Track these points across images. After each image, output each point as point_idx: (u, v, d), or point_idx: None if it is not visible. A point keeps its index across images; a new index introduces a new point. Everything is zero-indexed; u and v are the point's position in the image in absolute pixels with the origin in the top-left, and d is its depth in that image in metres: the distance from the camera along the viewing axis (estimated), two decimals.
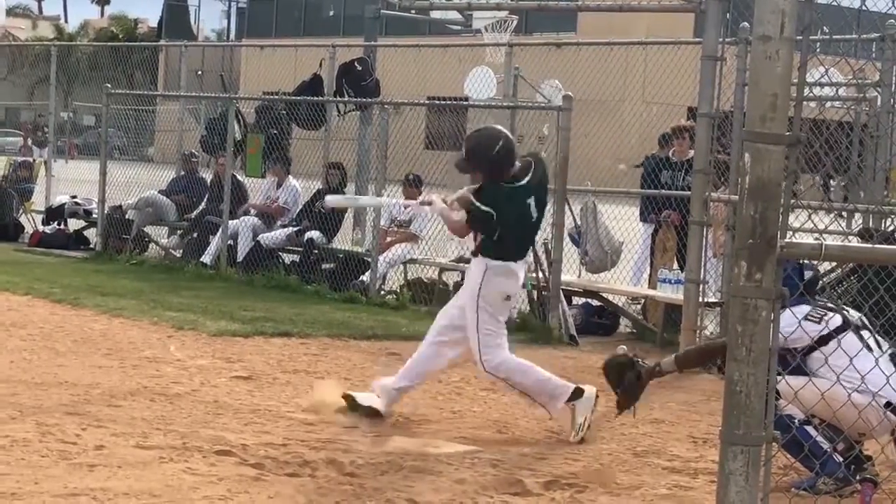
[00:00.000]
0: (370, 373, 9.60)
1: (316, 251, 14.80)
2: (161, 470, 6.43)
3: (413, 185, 14.35)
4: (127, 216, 16.84)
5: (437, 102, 17.77)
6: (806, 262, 6.96)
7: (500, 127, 8.34)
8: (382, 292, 14.02)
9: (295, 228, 15.05)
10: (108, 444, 6.89)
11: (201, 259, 15.48)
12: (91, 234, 17.71)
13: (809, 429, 6.60)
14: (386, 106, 14.57)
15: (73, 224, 18.43)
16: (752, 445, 3.65)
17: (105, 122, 17.95)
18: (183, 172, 17.39)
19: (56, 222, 18.29)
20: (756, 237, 3.60)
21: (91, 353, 9.68)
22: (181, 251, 16.43)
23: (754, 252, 3.60)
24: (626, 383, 7.10)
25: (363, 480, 6.46)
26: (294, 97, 16.62)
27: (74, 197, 18.79)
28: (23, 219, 19.21)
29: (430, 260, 14.29)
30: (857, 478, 6.54)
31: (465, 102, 17.43)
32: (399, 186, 14.35)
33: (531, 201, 7.85)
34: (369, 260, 14.12)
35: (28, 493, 5.88)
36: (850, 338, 6.77)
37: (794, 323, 6.49)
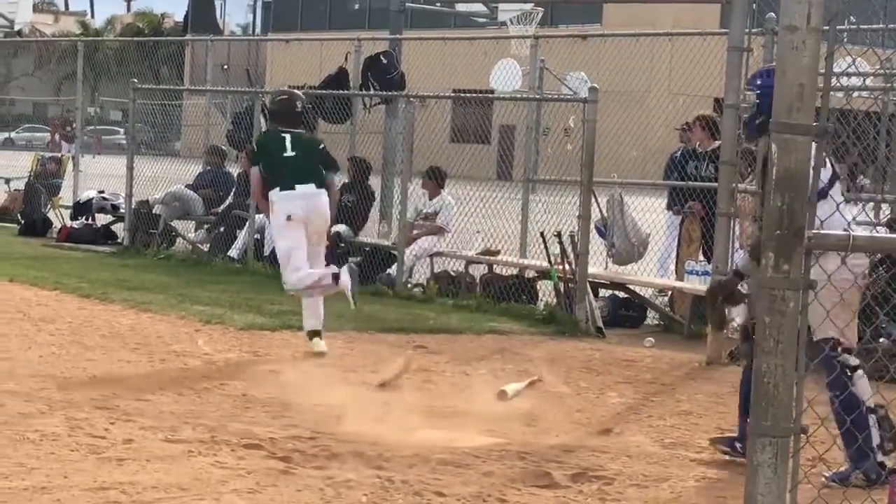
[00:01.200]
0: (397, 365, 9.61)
1: (342, 244, 14.81)
2: (189, 463, 6.46)
3: (432, 179, 14.37)
4: (154, 211, 16.89)
5: (463, 95, 17.74)
6: None
7: (295, 91, 10.96)
8: (409, 285, 14.03)
9: None
10: (136, 437, 6.92)
11: (228, 253, 15.52)
12: (118, 228, 17.78)
13: (871, 418, 6.62)
14: (411, 99, 14.57)
15: (101, 219, 18.50)
16: (781, 437, 3.64)
17: (132, 116, 18.01)
18: (209, 167, 17.43)
19: (84, 217, 18.36)
20: (783, 228, 3.58)
21: (119, 348, 9.72)
22: (208, 245, 16.47)
23: (782, 243, 3.59)
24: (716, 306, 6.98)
25: (391, 473, 6.47)
26: (320, 91, 16.63)
27: (102, 192, 18.87)
28: (51, 214, 19.29)
29: (457, 252, 14.30)
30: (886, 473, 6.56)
31: (490, 95, 17.42)
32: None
33: (288, 141, 10.08)
34: (396, 253, 14.13)
35: (57, 486, 5.91)
36: (837, 188, 6.80)
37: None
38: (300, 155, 10.10)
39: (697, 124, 12.85)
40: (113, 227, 18.16)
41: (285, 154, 10.05)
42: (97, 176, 20.67)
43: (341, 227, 14.87)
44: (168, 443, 6.86)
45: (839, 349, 6.60)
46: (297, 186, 10.01)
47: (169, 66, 24.84)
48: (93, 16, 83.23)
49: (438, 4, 20.26)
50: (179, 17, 69.71)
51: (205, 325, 10.97)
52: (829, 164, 6.62)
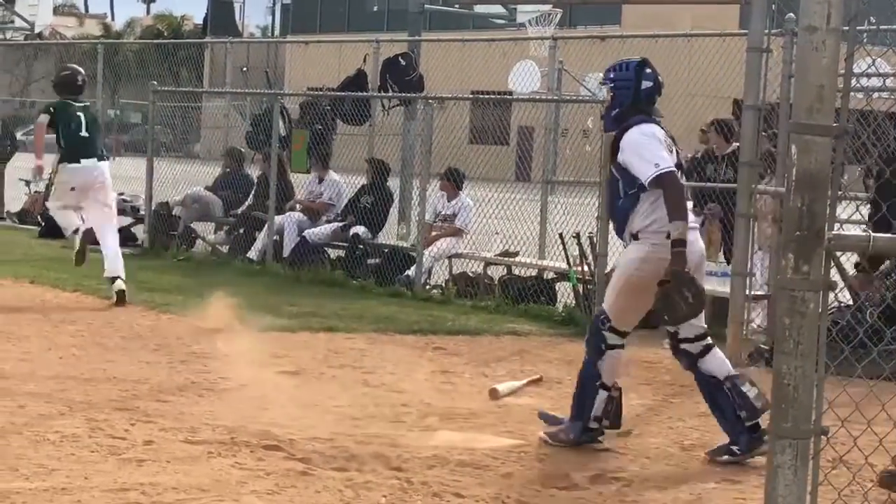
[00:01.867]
0: (416, 367, 9.62)
1: (361, 246, 14.83)
2: (209, 464, 6.47)
3: (450, 180, 14.37)
4: (174, 213, 16.93)
5: (482, 97, 17.73)
6: (648, 70, 7.31)
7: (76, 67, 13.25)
8: (428, 287, 14.04)
9: (340, 224, 15.09)
10: (156, 439, 6.93)
11: (248, 255, 15.56)
12: (139, 230, 17.82)
13: (602, 393, 7.15)
14: (430, 101, 14.58)
15: (121, 221, 18.53)
16: (801, 439, 3.63)
17: (151, 118, 18.05)
18: (228, 169, 17.45)
19: None
20: (803, 229, 3.58)
21: (139, 349, 9.75)
22: (228, 247, 16.50)
23: (802, 244, 3.58)
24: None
25: (410, 475, 6.47)
26: (339, 93, 16.65)
27: (122, 194, 18.89)
28: None
29: (475, 254, 14.30)
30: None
31: (509, 97, 17.41)
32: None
33: (83, 119, 12.22)
34: (414, 254, 14.14)
35: (78, 487, 5.93)
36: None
37: (659, 135, 7.04)
38: (92, 134, 12.32)
39: (712, 129, 12.82)
40: (133, 229, 18.19)
41: (81, 134, 12.20)
42: (117, 178, 20.60)
43: (360, 229, 14.89)
44: (188, 444, 6.88)
45: (608, 324, 7.12)
46: (83, 160, 12.15)
47: (188, 69, 24.87)
48: (113, 18, 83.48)
49: (457, 6, 20.27)
50: (199, 20, 69.88)
51: (224, 327, 10.98)
52: None
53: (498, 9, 19.04)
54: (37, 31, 25.90)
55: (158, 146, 19.13)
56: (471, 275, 14.19)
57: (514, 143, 21.60)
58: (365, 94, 16.35)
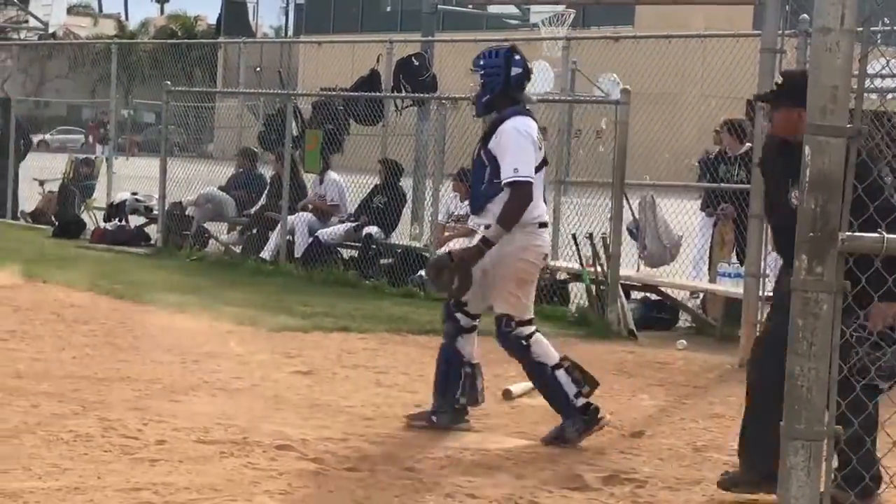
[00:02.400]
0: (429, 367, 9.62)
1: (374, 246, 14.84)
2: (222, 464, 6.48)
3: (462, 181, 14.35)
4: (187, 212, 16.96)
5: None
6: (517, 57, 7.42)
7: None
8: None
9: (353, 224, 15.10)
10: (169, 438, 6.95)
11: (260, 255, 15.57)
12: (152, 230, 17.86)
13: (560, 373, 7.25)
14: (443, 101, 14.58)
15: (135, 220, 18.58)
16: (814, 440, 3.62)
17: (165, 119, 18.08)
18: (241, 169, 17.48)
19: (117, 219, 18.45)
20: (817, 230, 3.57)
21: (152, 349, 9.76)
22: (241, 247, 16.53)
23: (815, 245, 3.57)
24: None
25: (422, 475, 6.47)
26: (352, 93, 16.66)
27: (135, 194, 18.95)
28: (85, 216, 19.39)
29: None
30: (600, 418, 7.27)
31: None
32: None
33: None
34: (427, 255, 14.14)
35: (91, 487, 5.94)
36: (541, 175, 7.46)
37: (533, 133, 7.24)
38: None
39: (725, 129, 12.80)
40: (146, 229, 18.24)
41: None
42: (131, 178, 20.78)
43: (373, 229, 14.90)
44: (200, 444, 6.89)
45: (513, 324, 7.26)
46: None
47: (202, 69, 24.92)
48: (127, 18, 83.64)
49: (470, 6, 20.27)
50: (212, 20, 69.99)
51: (237, 327, 11.01)
52: None
53: (511, 9, 19.05)
54: (51, 30, 25.92)
55: (172, 146, 19.16)
56: None
57: None
58: (378, 94, 16.35)
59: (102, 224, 18.48)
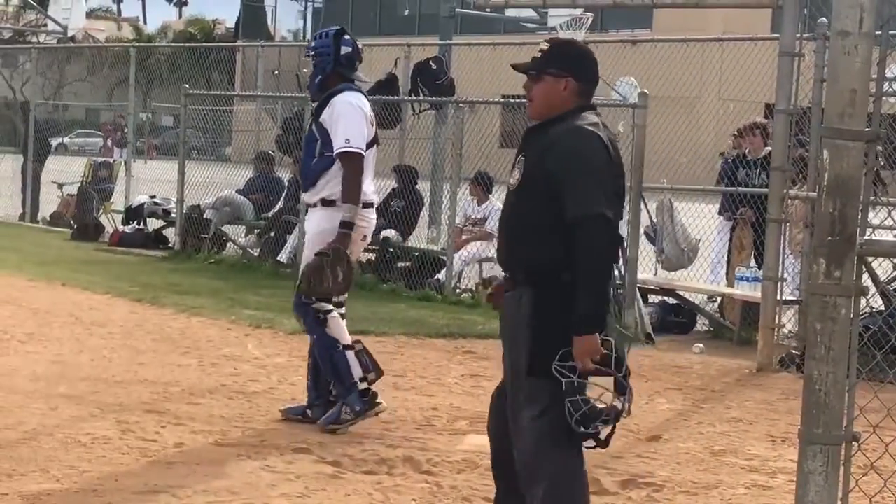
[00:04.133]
0: (446, 370, 9.63)
1: (391, 249, 14.84)
2: (239, 467, 6.49)
3: (479, 184, 14.36)
4: (205, 215, 16.99)
5: (512, 101, 17.72)
6: (346, 37, 7.63)
7: None
8: (458, 290, 14.04)
9: None
10: (187, 441, 6.96)
11: (278, 257, 15.58)
12: (170, 233, 17.90)
13: (349, 354, 7.34)
14: (461, 104, 14.58)
15: (153, 224, 18.63)
16: (832, 445, 3.62)
17: (183, 122, 18.12)
18: (259, 172, 17.50)
19: (135, 222, 18.50)
20: (835, 234, 3.56)
21: (170, 352, 9.78)
22: (258, 250, 16.54)
23: (833, 249, 3.56)
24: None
25: (440, 479, 6.47)
26: (369, 96, 16.65)
27: (153, 197, 19.00)
28: (103, 219, 19.45)
29: None
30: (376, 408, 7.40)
31: None
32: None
33: None
34: (445, 258, 14.14)
35: (109, 490, 5.96)
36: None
37: (365, 109, 7.41)
38: None
39: (758, 131, 12.74)
40: (164, 232, 18.28)
41: None
42: (149, 181, 20.83)
43: (390, 233, 14.90)
44: (218, 446, 6.91)
45: (314, 297, 7.32)
46: None
47: (220, 72, 25.02)
48: (145, 22, 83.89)
49: (488, 10, 20.25)
50: (231, 24, 70.13)
51: (255, 330, 11.03)
52: None
53: (529, 13, 19.02)
54: (70, 34, 26.00)
55: (190, 149, 19.19)
56: (501, 279, 14.15)
57: None
58: (396, 97, 16.36)
59: (120, 227, 18.52)
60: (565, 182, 4.56)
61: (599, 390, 4.61)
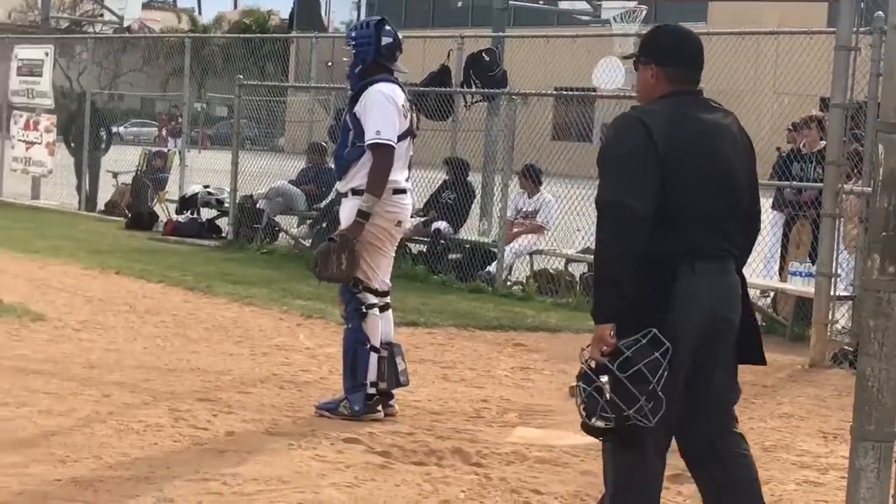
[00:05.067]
0: (496, 363, 9.64)
1: (443, 241, 14.86)
2: (289, 456, 6.53)
3: (528, 177, 14.34)
4: (258, 206, 17.07)
5: (565, 93, 17.68)
6: (387, 27, 7.56)
7: None
8: (509, 283, 14.04)
9: (422, 219, 15.13)
10: (238, 430, 7.01)
11: None
12: (223, 223, 18.00)
13: (373, 356, 7.34)
14: (513, 97, 14.57)
15: (206, 213, 18.74)
16: (884, 441, 3.59)
17: (237, 112, 18.22)
18: (311, 163, 17.56)
19: (189, 211, 18.62)
20: (890, 230, 3.53)
21: (222, 341, 9.85)
22: (310, 240, 16.60)
23: (888, 245, 3.54)
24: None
25: (489, 470, 6.48)
26: (422, 88, 16.69)
27: (207, 186, 19.11)
28: (157, 208, 19.59)
29: (557, 251, 14.27)
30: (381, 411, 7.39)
31: (593, 93, 17.33)
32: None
33: None
34: (496, 250, 14.14)
35: (160, 477, 6.01)
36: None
37: (398, 99, 7.37)
38: None
39: (814, 125, 12.64)
40: (217, 222, 18.38)
41: None
42: (203, 171, 20.95)
43: (441, 224, 14.92)
44: (269, 435, 6.95)
45: (360, 286, 7.36)
46: None
47: (274, 63, 25.10)
48: (200, 12, 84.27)
49: (541, 2, 20.23)
50: (285, 15, 70.36)
51: (306, 320, 11.07)
52: None
53: (583, 5, 18.94)
54: (125, 24, 26.20)
55: (243, 139, 19.30)
56: (552, 272, 14.16)
57: (597, 139, 21.51)
58: (448, 89, 16.36)
59: (174, 216, 18.64)
60: (598, 170, 4.58)
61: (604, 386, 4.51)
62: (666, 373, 4.38)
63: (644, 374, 4.38)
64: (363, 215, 7.23)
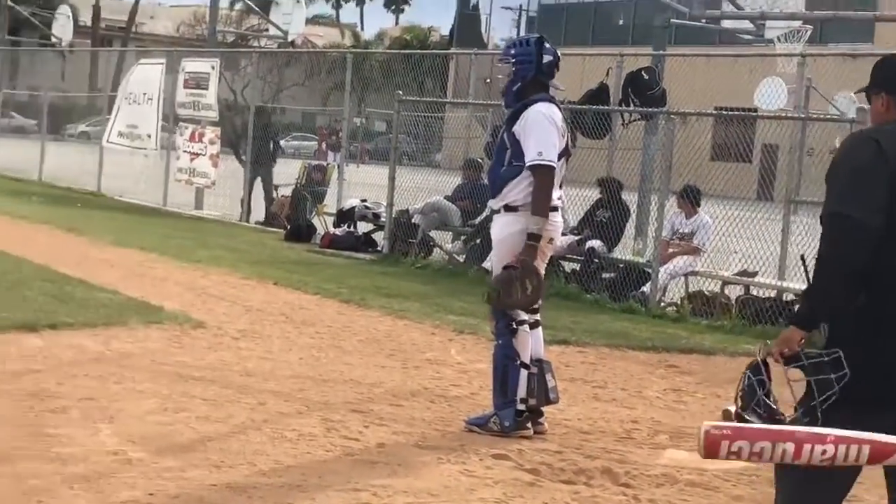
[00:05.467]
0: (648, 384, 9.56)
1: (596, 260, 14.80)
2: (439, 470, 6.57)
3: (686, 198, 14.20)
4: (413, 220, 17.22)
5: (725, 113, 17.49)
6: (547, 45, 7.50)
7: None
8: (662, 304, 13.92)
9: (576, 237, 15.10)
10: (389, 442, 7.08)
11: (483, 264, 15.69)
12: (379, 237, 18.19)
13: (523, 372, 7.27)
14: (672, 116, 14.46)
15: (363, 227, 18.96)
16: None
17: (395, 128, 18.40)
18: (467, 179, 17.65)
19: (346, 225, 18.86)
20: None
21: (375, 353, 9.95)
22: (464, 256, 16.69)
23: None
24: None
25: (638, 492, 6.44)
26: (579, 106, 16.66)
27: (364, 200, 19.33)
28: (315, 220, 19.88)
29: (713, 273, 14.11)
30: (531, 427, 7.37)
31: (754, 113, 17.13)
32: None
33: None
34: (650, 271, 14.03)
35: (312, 486, 6.10)
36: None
37: (557, 120, 7.34)
38: None
39: None
40: (373, 236, 18.59)
41: None
42: (360, 185, 21.21)
43: (595, 243, 14.86)
44: (419, 448, 7.00)
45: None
46: None
47: (433, 79, 25.23)
48: (362, 28, 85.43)
49: (704, 21, 20.04)
50: (446, 31, 70.96)
51: (458, 335, 11.13)
52: None
53: (746, 24, 18.75)
54: (290, 39, 26.68)
55: (401, 155, 19.48)
56: (707, 293, 13.99)
57: (758, 160, 21.25)
58: (606, 107, 16.31)
59: (332, 229, 18.90)
60: (826, 185, 4.51)
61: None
62: (834, 397, 4.28)
63: (811, 389, 4.32)
64: (534, 237, 7.24)
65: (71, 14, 36.11)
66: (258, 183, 22.33)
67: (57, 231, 17.57)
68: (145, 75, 24.86)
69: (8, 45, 37.62)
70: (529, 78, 7.52)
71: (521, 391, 7.42)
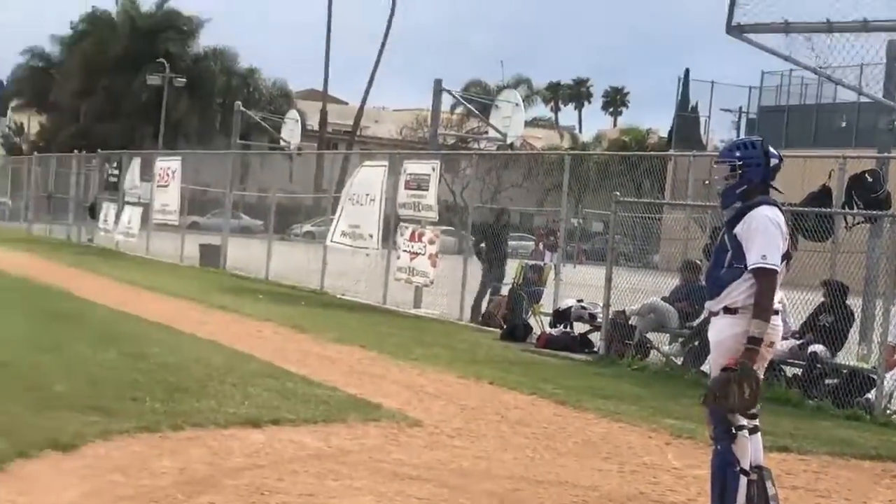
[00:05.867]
0: (873, 494, 9.26)
1: (819, 365, 14.46)
2: None
3: None
4: (630, 321, 17.13)
5: None
6: (772, 149, 7.32)
7: None
8: (888, 411, 13.48)
9: (798, 341, 14.80)
10: None
11: (702, 367, 15.48)
12: (595, 337, 18.14)
13: (742, 479, 7.04)
14: None
15: (579, 327, 18.94)
16: None
17: (612, 228, 18.41)
18: (685, 281, 17.50)
19: (562, 325, 18.87)
20: None
21: (591, 455, 9.90)
22: (682, 358, 16.51)
23: None
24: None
25: None
26: (801, 208, 16.41)
27: (581, 301, 19.33)
28: (532, 320, 19.95)
29: None
30: None
31: None
32: None
33: None
34: (875, 377, 13.63)
35: None
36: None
37: (783, 225, 7.19)
38: None
39: None
40: (590, 336, 18.54)
41: None
42: (577, 285, 21.23)
43: (818, 348, 14.53)
44: None
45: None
46: None
47: (651, 180, 25.24)
48: (580, 130, 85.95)
49: None
50: (664, 133, 70.80)
51: (675, 439, 10.99)
52: None
53: None
54: (509, 141, 27.04)
55: (618, 255, 19.45)
56: None
57: None
58: (829, 210, 16.01)
59: (548, 329, 18.94)
60: None
61: None
62: None
63: None
64: (755, 341, 7.16)
65: (299, 118, 37.36)
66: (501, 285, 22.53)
67: (281, 328, 18.06)
68: (368, 177, 25.49)
69: (239, 149, 39.05)
70: (757, 181, 7.48)
71: (741, 499, 7.28)
